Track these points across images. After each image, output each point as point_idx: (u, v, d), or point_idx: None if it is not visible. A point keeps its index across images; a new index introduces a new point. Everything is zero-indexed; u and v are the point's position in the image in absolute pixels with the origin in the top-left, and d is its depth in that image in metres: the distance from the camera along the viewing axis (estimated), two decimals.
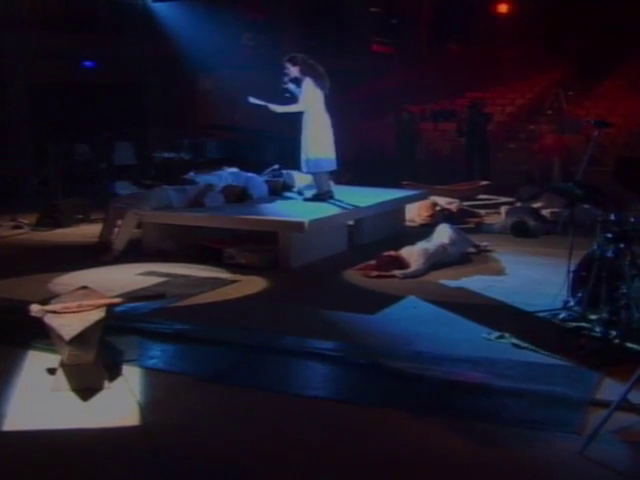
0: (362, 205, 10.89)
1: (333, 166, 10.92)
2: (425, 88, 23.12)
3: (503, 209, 13.24)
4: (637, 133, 19.95)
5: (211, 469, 4.39)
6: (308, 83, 10.51)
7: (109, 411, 5.14)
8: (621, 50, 23.06)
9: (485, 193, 15.71)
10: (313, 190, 11.20)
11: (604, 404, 4.94)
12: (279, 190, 11.87)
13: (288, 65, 10.58)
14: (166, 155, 16.88)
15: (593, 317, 6.56)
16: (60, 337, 5.27)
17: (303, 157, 10.69)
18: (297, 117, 10.75)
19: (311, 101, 10.53)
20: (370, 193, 11.98)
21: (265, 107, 10.84)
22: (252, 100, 10.95)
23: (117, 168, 16.60)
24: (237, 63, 18.86)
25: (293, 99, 10.70)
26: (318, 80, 10.55)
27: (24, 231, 12.17)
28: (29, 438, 4.78)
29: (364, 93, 22.86)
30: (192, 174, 11.98)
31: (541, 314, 7.10)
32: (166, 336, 6.69)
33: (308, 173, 11.08)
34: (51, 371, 5.63)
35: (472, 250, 10.14)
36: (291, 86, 10.65)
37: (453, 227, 10.15)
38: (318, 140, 10.62)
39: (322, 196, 10.94)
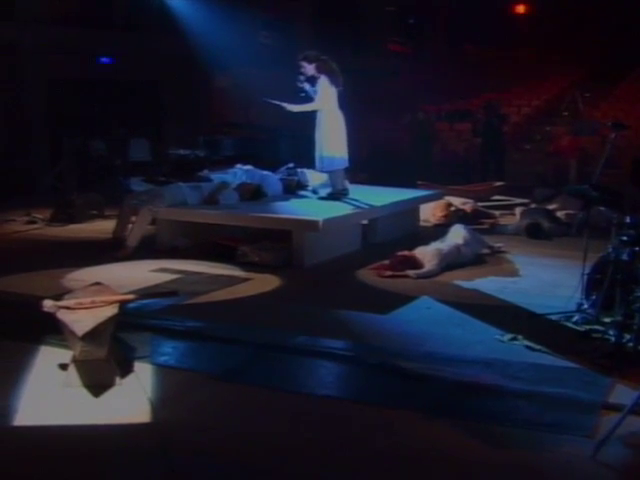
0: (377, 204, 10.88)
1: (346, 164, 10.91)
2: (441, 88, 23.08)
3: (518, 210, 13.22)
4: None
5: (220, 466, 4.39)
6: (324, 81, 10.48)
7: (120, 407, 5.15)
8: (639, 52, 22.94)
9: (500, 194, 15.68)
10: (328, 189, 11.19)
11: (616, 408, 4.93)
12: (293, 188, 11.86)
13: (304, 64, 10.54)
14: (181, 152, 16.90)
15: (607, 320, 6.54)
16: (73, 333, 5.27)
17: (317, 155, 10.68)
18: (312, 115, 10.73)
19: (326, 99, 10.51)
20: (385, 193, 11.97)
21: (280, 107, 10.80)
22: (267, 100, 10.92)
23: (132, 165, 16.60)
24: (253, 61, 18.86)
25: (307, 99, 10.68)
26: (333, 77, 10.53)
27: (38, 226, 12.21)
28: (40, 433, 4.79)
29: (380, 93, 22.82)
30: (207, 171, 11.99)
31: (554, 316, 7.06)
32: (178, 333, 6.70)
33: (322, 171, 11.07)
34: (63, 367, 5.65)
35: (486, 251, 10.12)
36: (306, 86, 10.62)
37: (467, 228, 10.13)
38: (332, 138, 10.61)
39: (337, 195, 10.94)
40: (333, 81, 10.53)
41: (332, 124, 10.61)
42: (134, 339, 6.41)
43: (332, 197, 10.93)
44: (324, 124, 10.60)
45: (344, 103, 10.75)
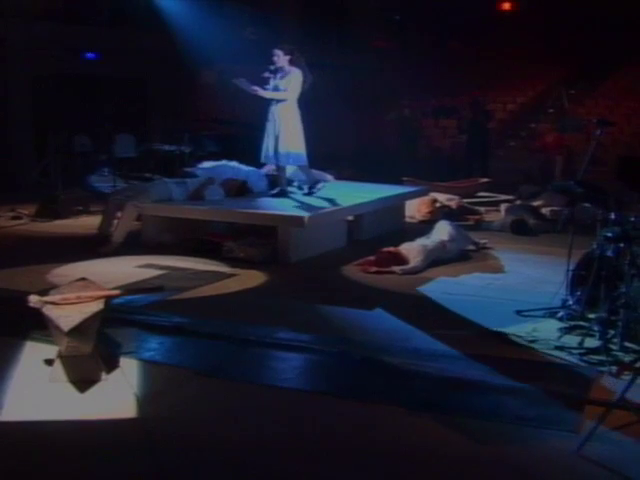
0: (362, 201, 10.89)
1: (304, 161, 10.90)
2: (426, 85, 23.11)
3: (503, 207, 13.25)
4: (639, 133, 19.95)
5: (207, 462, 4.39)
6: (297, 74, 10.42)
7: (106, 403, 5.14)
8: (624, 49, 23.01)
9: (485, 190, 15.74)
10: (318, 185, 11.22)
11: (601, 403, 4.95)
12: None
13: (279, 53, 10.45)
14: (166, 148, 16.88)
15: (592, 316, 6.57)
16: (58, 328, 5.26)
17: (281, 149, 10.52)
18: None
19: (295, 92, 10.47)
20: (370, 189, 11.99)
21: (252, 90, 10.50)
22: (237, 82, 10.61)
23: (117, 160, 16.58)
24: (239, 57, 18.83)
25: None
26: (306, 74, 10.50)
27: (23, 222, 12.17)
28: (26, 429, 4.77)
29: (365, 89, 22.83)
30: (199, 165, 12.02)
31: (539, 312, 7.09)
32: (164, 329, 6.69)
33: (279, 165, 10.95)
34: (49, 362, 5.63)
35: (471, 247, 10.15)
36: (272, 79, 10.51)
37: (453, 224, 10.15)
38: (299, 133, 10.59)
39: (316, 187, 10.98)
40: (306, 77, 10.50)
41: (297, 118, 10.59)
42: (120, 334, 6.40)
43: (311, 192, 10.97)
44: (291, 118, 10.52)
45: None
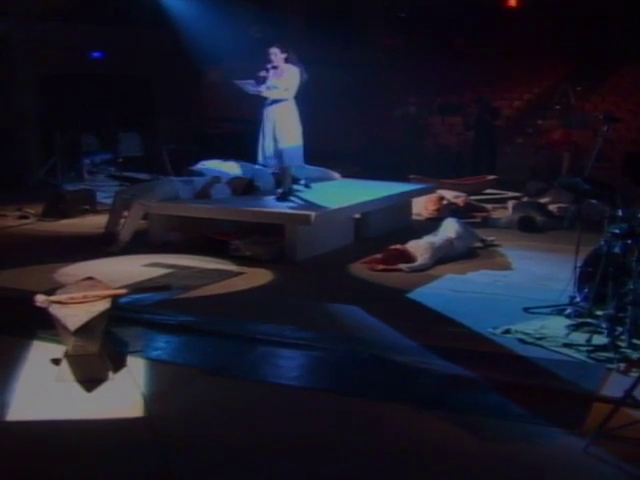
0: (369, 198, 10.87)
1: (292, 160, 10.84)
2: (432, 82, 23.08)
3: (510, 204, 13.23)
4: None
5: (214, 461, 4.39)
6: (294, 72, 10.32)
7: (113, 402, 5.14)
8: (631, 45, 22.95)
9: (492, 187, 15.70)
10: (320, 182, 11.18)
11: (609, 400, 4.93)
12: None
13: (276, 51, 10.37)
14: (173, 147, 16.88)
15: (599, 313, 6.55)
16: (65, 328, 5.27)
17: (292, 147, 10.48)
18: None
19: (294, 90, 10.41)
20: (377, 186, 11.98)
21: (255, 92, 10.44)
22: (239, 83, 10.48)
23: (123, 159, 16.61)
24: (245, 55, 18.82)
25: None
26: (302, 71, 10.45)
27: (30, 221, 12.16)
28: (33, 428, 4.78)
29: (371, 86, 22.81)
30: (199, 165, 12.00)
31: (547, 309, 7.08)
32: (171, 327, 6.69)
33: (282, 164, 10.88)
34: (56, 361, 5.64)
35: (478, 245, 10.13)
36: (268, 78, 10.46)
37: (460, 221, 10.13)
38: (294, 132, 10.52)
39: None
40: (302, 76, 10.44)
41: (295, 116, 10.49)
42: (127, 333, 6.41)
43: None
44: (289, 116, 10.43)
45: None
